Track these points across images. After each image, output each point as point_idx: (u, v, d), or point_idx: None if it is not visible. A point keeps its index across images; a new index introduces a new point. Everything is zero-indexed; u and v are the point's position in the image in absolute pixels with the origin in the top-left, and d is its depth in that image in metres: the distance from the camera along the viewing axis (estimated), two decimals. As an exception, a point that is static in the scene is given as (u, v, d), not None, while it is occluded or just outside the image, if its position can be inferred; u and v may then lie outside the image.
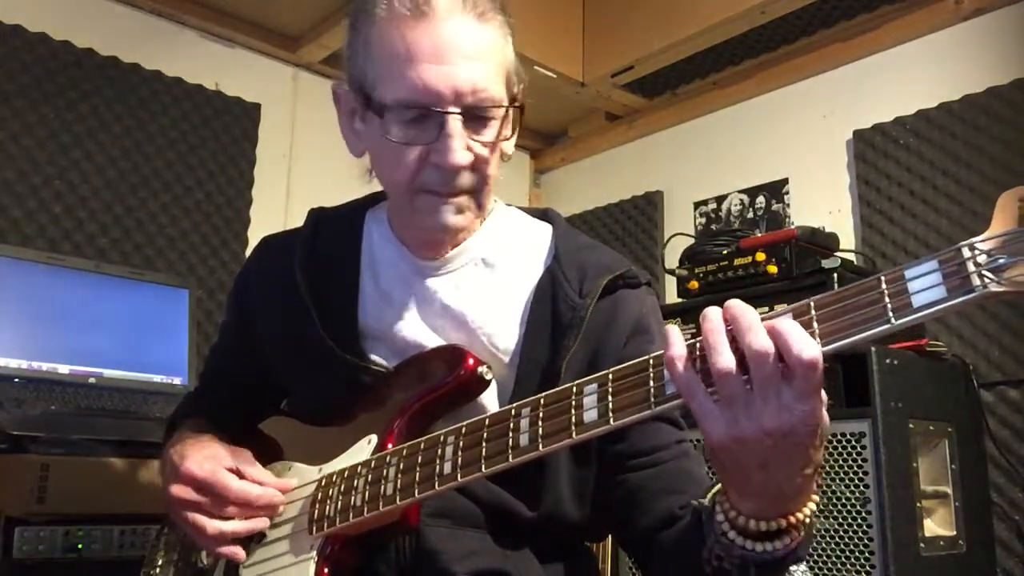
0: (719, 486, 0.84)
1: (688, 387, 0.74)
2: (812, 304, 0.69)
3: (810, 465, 0.75)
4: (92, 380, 2.05)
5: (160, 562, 1.23)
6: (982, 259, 0.60)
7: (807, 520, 0.79)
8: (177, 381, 2.19)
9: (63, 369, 2.02)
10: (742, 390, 0.71)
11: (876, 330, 0.65)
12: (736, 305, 0.72)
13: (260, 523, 1.05)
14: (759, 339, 0.69)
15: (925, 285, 0.63)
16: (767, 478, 0.75)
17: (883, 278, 0.66)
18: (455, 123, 0.98)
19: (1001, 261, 0.60)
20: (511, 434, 0.85)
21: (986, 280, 0.60)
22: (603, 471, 1.07)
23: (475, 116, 1.00)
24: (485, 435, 0.88)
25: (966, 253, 0.62)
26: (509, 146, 1.11)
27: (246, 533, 1.05)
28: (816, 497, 0.80)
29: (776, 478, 0.75)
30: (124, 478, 1.67)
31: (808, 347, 0.68)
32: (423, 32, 0.96)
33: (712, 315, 0.74)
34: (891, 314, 0.65)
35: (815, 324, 0.68)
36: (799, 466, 0.74)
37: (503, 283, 1.11)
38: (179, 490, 1.06)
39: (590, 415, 0.80)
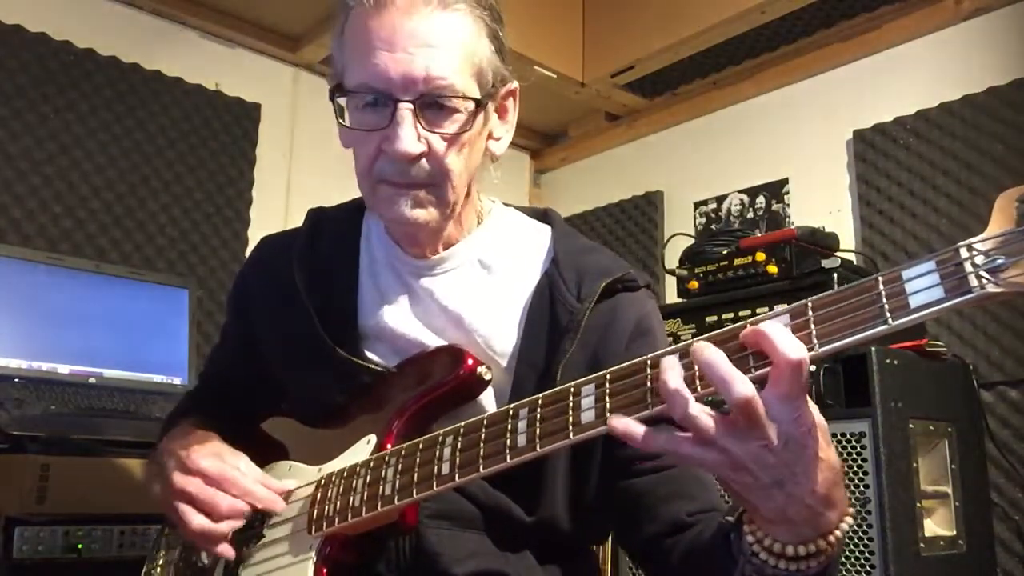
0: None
1: (671, 443, 0.73)
2: (809, 305, 0.69)
3: (826, 467, 0.73)
4: (92, 380, 2.05)
5: (161, 561, 1.23)
6: (980, 260, 0.60)
7: (843, 536, 0.78)
8: (177, 381, 2.19)
9: (63, 369, 2.02)
10: (714, 423, 0.70)
11: (873, 331, 0.64)
12: (704, 354, 0.70)
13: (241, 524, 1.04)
14: (738, 390, 0.68)
15: (923, 286, 0.63)
16: (788, 496, 0.72)
17: (880, 279, 0.66)
18: (405, 111, 0.97)
19: (999, 262, 0.59)
20: (509, 435, 0.85)
21: (984, 281, 0.59)
22: (605, 477, 1.05)
23: (432, 106, 0.98)
24: (483, 435, 0.87)
25: (964, 254, 0.62)
26: (498, 146, 1.09)
27: (230, 532, 1.03)
28: (851, 511, 0.78)
29: (797, 493, 0.72)
30: (124, 478, 1.67)
31: (795, 349, 0.67)
32: (383, 20, 0.97)
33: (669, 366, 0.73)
34: (888, 315, 0.64)
35: (812, 325, 0.68)
36: (814, 471, 0.72)
37: (500, 285, 1.10)
38: (182, 481, 1.04)
39: (587, 416, 0.79)
